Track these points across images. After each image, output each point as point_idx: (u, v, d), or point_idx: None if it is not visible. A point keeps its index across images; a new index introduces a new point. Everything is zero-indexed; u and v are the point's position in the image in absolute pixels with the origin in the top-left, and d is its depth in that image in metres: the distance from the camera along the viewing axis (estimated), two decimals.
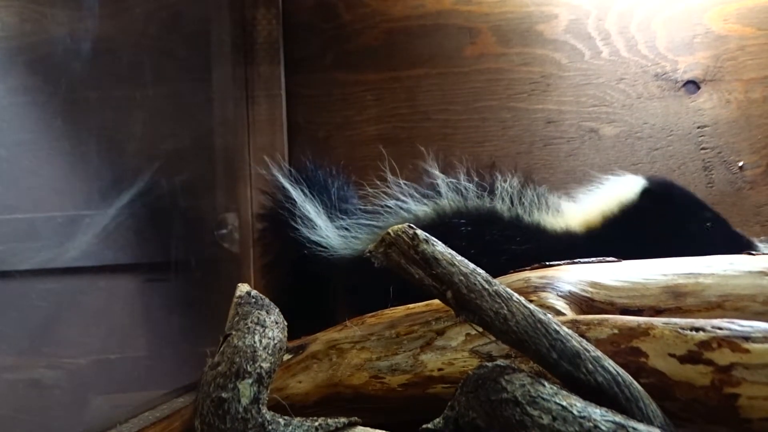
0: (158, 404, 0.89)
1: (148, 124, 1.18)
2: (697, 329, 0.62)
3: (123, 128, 1.17)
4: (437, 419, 0.62)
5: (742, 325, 0.61)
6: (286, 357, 0.87)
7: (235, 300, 0.64)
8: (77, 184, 1.12)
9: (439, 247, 0.59)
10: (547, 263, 0.87)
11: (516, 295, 0.60)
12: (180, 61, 1.26)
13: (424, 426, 0.62)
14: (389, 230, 0.59)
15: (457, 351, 0.77)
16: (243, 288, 0.65)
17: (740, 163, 1.30)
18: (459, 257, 0.59)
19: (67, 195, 1.12)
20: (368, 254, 0.59)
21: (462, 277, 0.58)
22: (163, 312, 1.19)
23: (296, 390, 0.83)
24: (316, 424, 0.57)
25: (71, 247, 1.11)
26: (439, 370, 0.76)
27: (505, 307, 0.58)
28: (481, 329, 0.60)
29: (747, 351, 0.59)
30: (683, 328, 0.63)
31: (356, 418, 0.59)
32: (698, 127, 1.31)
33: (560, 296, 0.79)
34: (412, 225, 0.59)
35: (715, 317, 0.66)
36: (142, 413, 0.84)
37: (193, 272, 1.23)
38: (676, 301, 0.80)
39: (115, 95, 1.17)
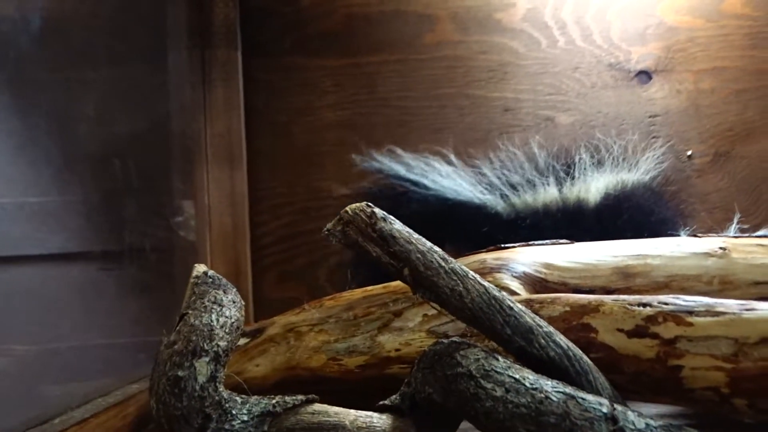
0: (112, 390, 0.87)
1: (100, 107, 1.15)
2: (644, 305, 0.65)
3: (74, 111, 1.13)
4: (394, 396, 0.63)
5: (686, 300, 0.64)
6: (244, 341, 0.86)
7: (191, 280, 0.63)
8: (26, 170, 1.09)
9: (397, 225, 0.59)
10: (503, 245, 0.89)
11: (471, 273, 0.61)
12: (134, 43, 1.23)
13: (380, 403, 0.62)
14: (347, 208, 0.59)
15: (414, 332, 0.78)
16: (200, 268, 0.64)
17: (689, 152, 1.35)
18: (416, 235, 0.60)
19: (15, 180, 1.08)
20: (326, 232, 0.59)
21: (419, 255, 0.58)
22: (116, 300, 1.17)
23: (254, 373, 0.83)
24: (274, 401, 0.57)
25: (20, 234, 1.07)
26: (396, 350, 0.77)
27: (461, 285, 0.59)
28: (437, 307, 0.60)
29: (690, 324, 0.62)
30: (631, 304, 0.65)
31: (314, 395, 0.60)
32: (650, 117, 1.35)
33: (515, 277, 0.81)
34: (369, 203, 0.59)
35: None
36: (94, 399, 0.83)
37: (147, 260, 1.21)
38: (625, 281, 0.82)
39: (66, 76, 1.14)
